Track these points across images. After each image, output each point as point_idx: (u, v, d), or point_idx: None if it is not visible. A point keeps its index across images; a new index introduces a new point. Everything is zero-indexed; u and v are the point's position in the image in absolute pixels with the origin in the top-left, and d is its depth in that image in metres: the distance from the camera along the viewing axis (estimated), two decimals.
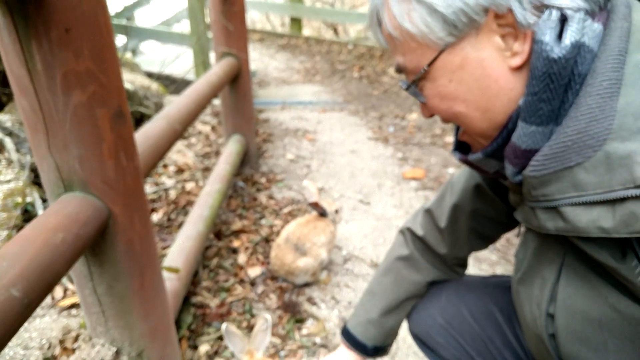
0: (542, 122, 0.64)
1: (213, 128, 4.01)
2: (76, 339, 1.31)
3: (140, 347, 1.30)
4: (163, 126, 1.62)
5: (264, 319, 1.29)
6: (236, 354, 1.27)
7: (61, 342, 1.30)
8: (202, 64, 5.16)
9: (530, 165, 0.66)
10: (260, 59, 7.12)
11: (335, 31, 10.46)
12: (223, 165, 2.69)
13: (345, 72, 6.46)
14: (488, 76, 0.67)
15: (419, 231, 1.14)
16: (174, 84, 5.87)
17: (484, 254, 2.28)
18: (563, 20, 0.61)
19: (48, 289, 0.89)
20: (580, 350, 0.72)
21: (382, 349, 1.19)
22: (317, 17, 7.99)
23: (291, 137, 3.99)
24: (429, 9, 0.66)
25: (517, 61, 0.65)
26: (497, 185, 0.99)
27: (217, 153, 3.50)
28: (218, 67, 2.64)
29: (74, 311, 1.49)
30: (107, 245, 1.15)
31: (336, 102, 5.20)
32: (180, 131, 1.76)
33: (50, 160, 1.05)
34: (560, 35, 0.61)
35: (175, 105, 1.86)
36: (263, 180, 3.11)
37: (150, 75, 5.36)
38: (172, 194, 2.72)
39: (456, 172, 1.11)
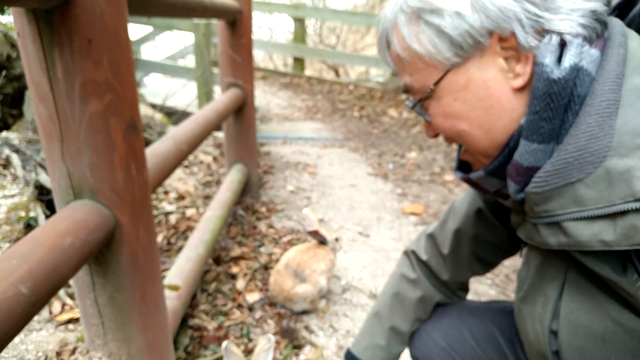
0: (544, 140, 0.66)
1: (215, 158, 4.04)
2: (73, 352, 1.29)
3: None
4: (170, 146, 1.65)
5: (267, 339, 1.29)
6: None
7: (58, 354, 1.28)
8: (205, 97, 5.25)
9: (532, 182, 0.68)
10: (263, 96, 7.24)
11: (337, 73, 10.68)
12: (224, 193, 2.71)
13: (346, 111, 6.56)
14: (491, 96, 0.70)
15: (423, 255, 1.16)
16: (176, 115, 5.94)
17: (483, 289, 2.28)
18: (562, 44, 0.65)
19: (54, 290, 0.89)
20: None
21: None
22: (319, 57, 8.19)
23: (292, 170, 4.03)
24: (436, 30, 0.70)
25: (519, 82, 0.68)
26: (498, 209, 1.00)
27: (218, 182, 3.52)
28: (224, 97, 2.70)
29: (71, 326, 1.47)
30: (112, 255, 1.16)
31: (336, 139, 5.27)
32: (186, 152, 1.78)
33: (63, 167, 1.07)
34: (559, 59, 0.65)
35: (182, 127, 1.89)
36: (263, 209, 3.12)
37: (154, 106, 5.45)
38: (173, 219, 2.73)
39: (458, 198, 1.13)
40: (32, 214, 1.82)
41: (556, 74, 0.63)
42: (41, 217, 1.83)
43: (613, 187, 0.59)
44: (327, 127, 5.89)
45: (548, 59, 0.64)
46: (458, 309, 1.17)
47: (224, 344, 1.26)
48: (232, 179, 2.93)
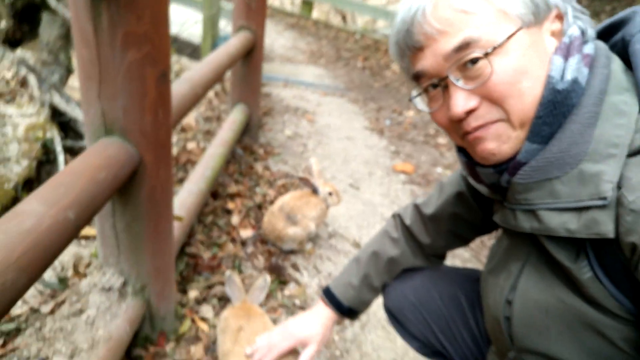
0: (542, 142, 0.78)
1: (216, 94, 4.12)
2: (88, 265, 1.46)
3: (144, 282, 1.45)
4: (187, 89, 1.76)
5: (264, 279, 1.46)
6: (232, 300, 1.44)
7: (74, 266, 1.45)
8: (210, 29, 5.22)
9: (518, 174, 0.80)
10: (268, 35, 7.16)
11: (344, 18, 10.53)
12: (226, 132, 2.83)
13: (349, 60, 6.58)
14: (547, 62, 0.77)
15: (407, 220, 1.31)
16: (175, 43, 5.92)
17: (459, 251, 2.47)
18: (566, 57, 0.76)
19: (91, 216, 1.04)
20: (527, 332, 0.89)
21: (355, 313, 1.35)
22: (331, 2, 8.05)
23: (291, 115, 4.13)
24: None
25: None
26: (476, 195, 1.14)
27: (219, 118, 3.63)
28: (236, 39, 2.76)
29: (83, 242, 1.64)
30: (134, 188, 1.30)
31: (338, 88, 5.33)
32: (200, 95, 1.90)
33: (98, 106, 1.19)
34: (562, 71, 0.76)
35: (197, 71, 1.99)
36: (261, 151, 3.25)
37: None
38: (174, 150, 2.85)
39: (446, 178, 1.27)
40: (48, 135, 1.94)
41: (560, 85, 0.74)
42: (57, 139, 1.95)
43: (584, 186, 0.72)
44: (329, 74, 5.93)
45: (554, 72, 0.75)
46: (430, 272, 1.33)
47: (227, 273, 1.43)
48: (234, 119, 3.04)
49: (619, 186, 0.70)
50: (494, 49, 0.74)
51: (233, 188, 2.62)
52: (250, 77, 3.23)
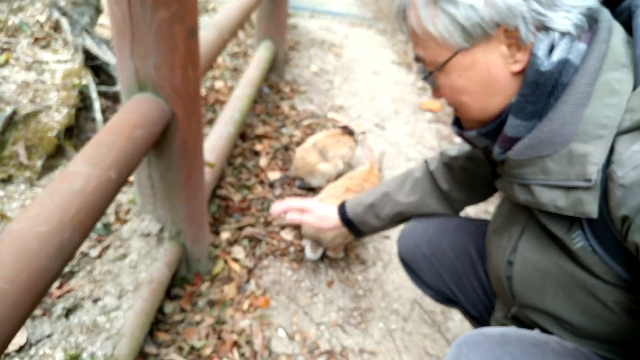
0: (526, 118, 0.81)
1: (242, 28, 4.08)
2: (128, 212, 1.56)
3: (179, 227, 1.55)
4: (215, 35, 1.77)
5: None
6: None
7: (116, 213, 1.55)
8: None
9: (512, 150, 0.84)
10: None
11: None
12: (253, 71, 2.84)
13: None
14: (491, 77, 0.83)
15: (431, 166, 1.36)
16: None
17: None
18: (554, 39, 0.77)
19: (130, 172, 1.11)
20: (526, 290, 0.96)
21: (354, 226, 1.46)
22: None
23: (317, 49, 4.08)
24: (451, 19, 0.79)
25: (518, 67, 0.81)
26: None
27: (245, 54, 3.62)
28: None
29: (123, 189, 1.73)
30: (167, 142, 1.36)
31: (365, 18, 5.20)
32: (227, 39, 1.91)
33: (131, 64, 1.23)
34: (551, 50, 0.77)
35: (224, 14, 1.99)
36: (287, 89, 3.26)
37: None
38: (202, 91, 2.90)
39: None
40: (84, 82, 2.00)
41: (545, 66, 0.76)
42: (92, 86, 2.01)
43: (572, 166, 0.76)
44: (357, 2, 5.76)
45: (540, 52, 0.76)
46: (442, 221, 1.38)
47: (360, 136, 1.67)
48: (260, 57, 3.04)
49: (609, 162, 0.73)
50: (436, 69, 0.87)
51: (260, 129, 2.67)
52: (276, 12, 3.18)
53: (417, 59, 0.92)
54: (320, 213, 1.47)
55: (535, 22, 0.77)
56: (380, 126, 3.05)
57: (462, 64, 0.83)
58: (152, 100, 1.26)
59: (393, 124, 3.11)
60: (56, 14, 2.21)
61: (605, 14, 0.79)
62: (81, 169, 0.97)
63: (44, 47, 2.09)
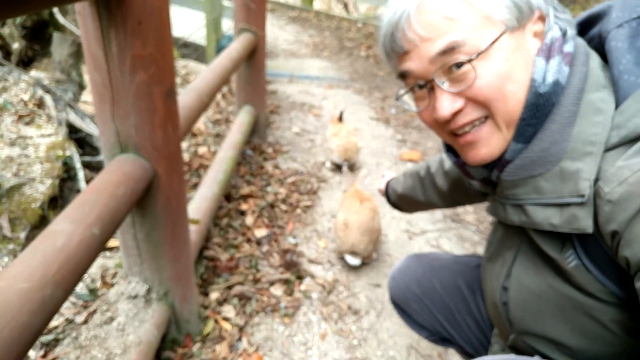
0: (526, 141, 0.81)
1: (224, 96, 4.20)
2: (114, 275, 1.55)
3: (167, 287, 1.54)
4: (194, 98, 1.83)
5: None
6: None
7: (102, 277, 1.54)
8: (213, 30, 5.30)
9: (505, 171, 0.85)
10: (271, 30, 7.23)
11: (346, 7, 10.52)
12: (235, 135, 2.91)
13: (353, 49, 6.61)
14: (530, 64, 0.79)
15: (432, 168, 1.43)
16: (186, 48, 6.01)
17: (468, 234, 2.54)
18: (548, 57, 0.80)
19: (114, 230, 1.12)
20: (523, 316, 0.95)
21: (397, 206, 1.65)
22: None
23: (297, 111, 4.19)
24: None
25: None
26: None
27: (227, 120, 3.71)
28: (238, 43, 2.83)
29: (108, 254, 1.73)
30: (150, 200, 1.38)
31: (342, 79, 5.38)
32: (207, 102, 1.97)
33: (112, 126, 1.27)
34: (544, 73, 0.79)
35: (203, 79, 2.06)
36: (270, 150, 3.33)
37: None
38: (186, 156, 2.94)
39: None
40: (67, 153, 2.03)
41: (542, 88, 0.77)
42: (76, 156, 2.04)
43: (564, 183, 0.77)
44: (333, 65, 5.97)
45: (537, 75, 0.79)
46: (431, 263, 1.40)
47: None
48: (242, 120, 3.12)
49: (597, 179, 0.74)
50: (478, 54, 0.76)
51: (245, 189, 2.70)
52: (254, 78, 3.30)
53: (444, 51, 0.78)
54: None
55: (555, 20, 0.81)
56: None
57: (509, 45, 0.77)
58: (134, 160, 1.29)
59: (375, 176, 3.16)
60: (40, 92, 2.27)
61: (580, 40, 0.84)
62: (64, 227, 0.98)
63: (27, 123, 2.14)
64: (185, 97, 1.80)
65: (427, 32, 0.78)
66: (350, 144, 3.06)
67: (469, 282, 1.31)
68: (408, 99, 0.92)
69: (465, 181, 1.23)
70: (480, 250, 2.42)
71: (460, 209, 2.75)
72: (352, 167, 3.18)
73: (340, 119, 3.29)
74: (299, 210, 2.63)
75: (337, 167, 3.20)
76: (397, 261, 2.23)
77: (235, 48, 2.75)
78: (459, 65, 0.78)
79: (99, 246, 1.04)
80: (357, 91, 4.98)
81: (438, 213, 2.72)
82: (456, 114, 0.82)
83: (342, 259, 2.28)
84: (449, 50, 0.77)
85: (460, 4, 0.76)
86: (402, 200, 1.60)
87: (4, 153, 1.92)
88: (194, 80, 4.22)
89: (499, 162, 0.86)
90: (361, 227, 2.13)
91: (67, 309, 1.42)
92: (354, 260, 2.15)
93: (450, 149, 0.98)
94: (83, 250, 0.98)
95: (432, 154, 3.53)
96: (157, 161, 1.34)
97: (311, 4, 8.49)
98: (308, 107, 4.34)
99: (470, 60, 0.76)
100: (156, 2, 1.16)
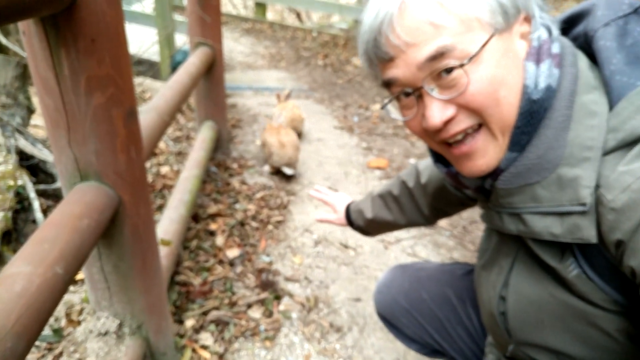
0: (520, 150, 0.77)
1: (182, 112, 4.09)
2: (80, 312, 1.44)
3: (140, 320, 1.44)
4: (155, 118, 1.74)
5: None
6: None
7: (67, 315, 1.43)
8: (166, 43, 5.18)
9: (499, 180, 0.80)
10: (226, 43, 7.10)
11: (299, 16, 10.52)
12: (198, 152, 2.81)
13: (310, 59, 6.59)
14: (520, 67, 0.76)
15: (410, 183, 1.36)
16: (136, 62, 5.86)
17: (442, 240, 2.52)
18: (538, 61, 0.76)
19: (79, 267, 1.03)
20: (523, 326, 0.91)
21: (364, 230, 1.55)
22: (282, 2, 8.04)
23: (259, 124, 4.12)
24: None
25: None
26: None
27: (188, 137, 3.60)
28: (195, 58, 2.74)
29: (72, 288, 1.61)
30: (116, 229, 1.28)
31: (302, 90, 5.34)
32: (168, 122, 1.88)
33: (70, 153, 1.18)
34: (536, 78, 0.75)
35: (162, 97, 1.97)
36: (235, 165, 3.24)
37: None
38: (149, 177, 2.83)
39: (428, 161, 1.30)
40: (19, 182, 1.90)
41: (535, 95, 0.74)
42: (29, 185, 1.92)
43: (563, 191, 0.73)
44: (291, 76, 5.93)
45: (529, 80, 0.74)
46: (417, 274, 1.36)
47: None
48: (204, 137, 3.02)
49: (597, 185, 0.70)
50: (470, 59, 0.71)
51: (213, 208, 2.61)
52: (213, 92, 3.21)
53: (434, 56, 0.73)
54: (339, 213, 1.61)
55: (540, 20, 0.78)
56: (333, 189, 3.05)
57: (498, 49, 0.73)
58: (96, 188, 1.20)
59: (344, 185, 3.12)
60: None
61: (565, 41, 0.80)
62: (21, 269, 0.88)
63: None
64: (146, 117, 1.71)
65: (412, 37, 0.73)
66: (295, 115, 3.56)
67: (458, 291, 1.27)
68: (393, 108, 0.86)
69: (451, 189, 1.20)
70: (457, 255, 2.40)
71: None
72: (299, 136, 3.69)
73: (287, 97, 3.85)
74: (270, 227, 2.55)
75: (277, 172, 3.23)
76: (377, 273, 2.20)
77: (193, 63, 2.66)
78: (449, 70, 0.73)
79: (64, 286, 0.95)
80: (317, 100, 4.95)
81: None
82: (447, 122, 0.77)
83: (277, 173, 3.17)
84: (438, 55, 0.72)
85: (443, 9, 0.71)
86: (373, 224, 1.49)
87: None
88: (151, 98, 4.10)
89: (493, 171, 0.81)
90: (293, 144, 3.06)
91: (29, 354, 1.30)
92: (290, 171, 3.04)
93: (439, 159, 0.93)
94: (46, 293, 0.88)
95: (398, 160, 3.52)
96: (122, 187, 1.25)
97: (264, 15, 8.43)
98: (270, 119, 4.26)
99: (462, 65, 0.72)
100: (110, 18, 1.08)
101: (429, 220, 1.38)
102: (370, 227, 1.51)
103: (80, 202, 1.12)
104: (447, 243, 2.50)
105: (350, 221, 1.55)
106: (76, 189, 1.18)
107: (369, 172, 3.34)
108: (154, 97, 1.95)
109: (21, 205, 1.91)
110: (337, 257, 2.34)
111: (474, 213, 2.75)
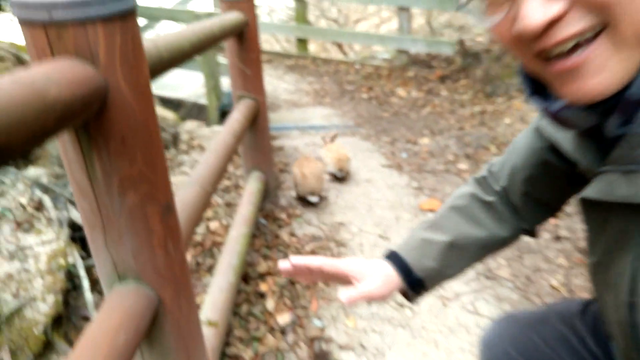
0: None
1: (231, 160, 4.09)
2: None
3: None
4: (197, 191, 1.69)
5: None
6: None
7: None
8: (213, 90, 5.27)
9: (636, 119, 0.57)
10: (270, 82, 7.20)
11: (341, 48, 10.56)
12: (246, 206, 2.76)
13: (354, 93, 6.53)
14: None
15: (488, 197, 1.07)
16: (185, 108, 6.00)
17: (505, 292, 2.34)
18: None
19: None
20: None
21: (423, 283, 1.02)
22: (323, 38, 8.09)
23: None
24: None
25: None
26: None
27: (237, 186, 3.58)
28: (238, 113, 2.72)
29: None
30: (157, 329, 1.22)
31: (347, 126, 5.27)
32: (211, 192, 1.83)
33: (107, 254, 1.13)
34: None
35: (205, 165, 1.93)
36: (283, 215, 3.17)
37: (163, 101, 5.49)
38: (198, 236, 2.80)
39: (519, 135, 1.04)
40: (70, 260, 1.89)
41: None
42: (79, 262, 1.91)
43: None
44: (336, 112, 5.88)
45: None
46: (524, 318, 1.17)
47: None
48: (251, 189, 2.98)
49: None
50: None
51: (263, 266, 2.54)
52: (259, 143, 3.18)
53: None
54: (377, 281, 0.96)
55: None
56: (384, 237, 2.93)
57: None
58: (135, 289, 1.14)
59: (396, 231, 2.98)
60: (38, 192, 2.16)
61: None
62: None
63: (27, 230, 2.01)
64: (188, 192, 1.66)
65: None
66: (341, 155, 3.71)
67: (576, 330, 1.07)
68: (474, 8, 0.64)
69: (552, 135, 0.86)
70: (522, 308, 2.22)
71: (492, 263, 2.55)
72: (346, 177, 3.79)
73: (333, 139, 3.98)
74: (321, 284, 2.45)
75: (335, 177, 3.75)
76: (436, 335, 2.03)
77: (237, 119, 2.63)
78: None
79: None
80: (364, 137, 4.86)
81: (470, 272, 2.52)
82: (552, 24, 0.55)
83: (303, 200, 3.33)
84: None
85: None
86: (450, 258, 1.03)
87: (2, 270, 1.79)
88: (199, 145, 4.13)
89: (621, 103, 0.58)
90: (315, 175, 3.24)
91: None
92: (314, 199, 3.25)
93: (537, 90, 0.69)
94: None
95: None
96: (161, 286, 1.18)
97: (306, 50, 8.49)
98: (317, 160, 4.21)
99: None
100: (140, 115, 1.03)
101: (525, 218, 1.06)
102: (444, 266, 1.03)
103: (117, 310, 1.07)
104: (510, 296, 2.31)
105: (407, 274, 1.01)
106: (114, 292, 1.13)
107: (421, 214, 3.20)
108: (198, 166, 1.92)
109: (72, 284, 1.90)
110: (393, 318, 2.21)
111: (537, 261, 2.55)
